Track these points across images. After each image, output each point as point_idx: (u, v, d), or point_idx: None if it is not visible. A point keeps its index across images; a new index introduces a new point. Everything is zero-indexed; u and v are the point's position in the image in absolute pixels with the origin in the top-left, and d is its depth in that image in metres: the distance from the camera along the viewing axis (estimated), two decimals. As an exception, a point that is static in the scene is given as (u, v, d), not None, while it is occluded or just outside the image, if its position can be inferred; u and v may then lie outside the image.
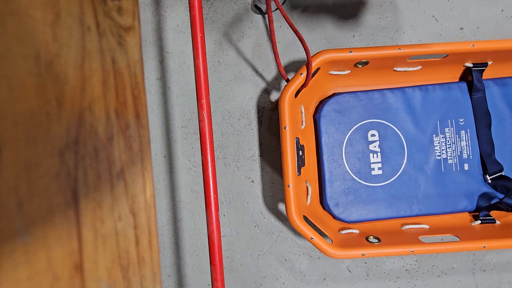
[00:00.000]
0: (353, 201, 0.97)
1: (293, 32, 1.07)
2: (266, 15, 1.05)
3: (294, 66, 1.07)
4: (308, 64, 0.84)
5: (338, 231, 0.95)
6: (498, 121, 0.96)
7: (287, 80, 0.90)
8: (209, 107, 0.77)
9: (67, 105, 0.25)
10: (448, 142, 0.97)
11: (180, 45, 1.11)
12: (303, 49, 1.07)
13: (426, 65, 0.94)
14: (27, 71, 0.21)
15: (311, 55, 0.88)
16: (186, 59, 1.11)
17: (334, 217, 0.98)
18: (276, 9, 1.04)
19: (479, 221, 0.94)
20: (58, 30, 0.24)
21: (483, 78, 0.95)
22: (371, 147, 0.97)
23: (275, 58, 0.87)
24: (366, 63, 0.90)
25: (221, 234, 1.00)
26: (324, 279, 1.08)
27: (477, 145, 0.96)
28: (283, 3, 1.04)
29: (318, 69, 0.89)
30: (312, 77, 0.90)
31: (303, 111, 0.97)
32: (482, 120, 0.96)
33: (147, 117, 0.35)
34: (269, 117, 1.09)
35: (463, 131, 0.97)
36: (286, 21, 0.81)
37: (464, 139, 0.97)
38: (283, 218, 1.08)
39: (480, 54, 0.89)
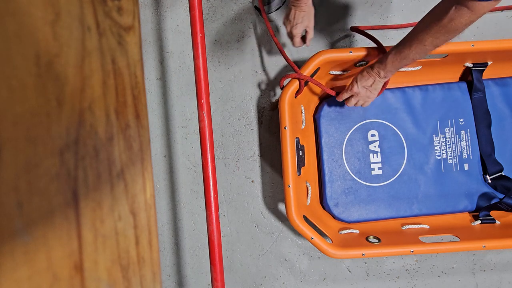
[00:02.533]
0: (353, 201, 0.97)
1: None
2: (271, 14, 1.04)
3: (294, 66, 1.07)
4: (298, 78, 0.86)
5: (338, 231, 0.95)
6: (498, 121, 0.96)
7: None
8: (209, 107, 0.77)
9: (67, 105, 0.25)
10: (448, 142, 0.97)
11: (180, 45, 1.11)
12: (303, 49, 1.07)
13: (426, 65, 0.94)
14: (27, 71, 0.21)
15: (312, 55, 0.88)
16: (186, 59, 1.11)
17: (334, 217, 0.98)
18: (277, 8, 1.04)
19: (479, 221, 0.94)
20: (58, 30, 0.24)
21: (483, 78, 0.95)
22: (371, 147, 0.97)
23: (282, 54, 0.88)
24: (366, 63, 0.90)
25: (221, 234, 1.00)
26: (324, 279, 1.08)
27: (477, 145, 0.96)
28: (283, 3, 1.04)
29: (318, 69, 0.89)
30: (312, 77, 0.90)
31: (303, 111, 0.96)
32: (482, 120, 0.95)
33: (147, 117, 0.35)
34: (269, 117, 1.09)
35: (463, 131, 0.97)
36: (272, 37, 0.91)
37: (464, 139, 0.97)
38: (283, 218, 1.08)
39: (480, 54, 0.89)
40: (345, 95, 0.86)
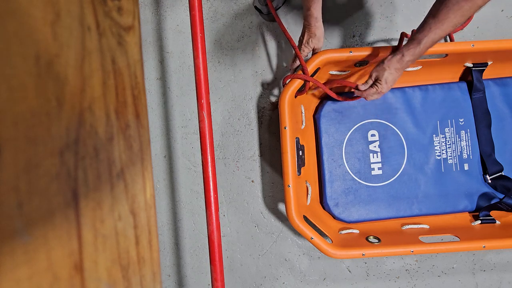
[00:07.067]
0: (353, 201, 0.97)
1: (293, 32, 1.07)
2: (271, 15, 1.04)
3: (294, 66, 1.07)
4: (303, 69, 0.85)
5: (338, 231, 0.95)
6: (498, 121, 0.96)
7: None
8: (209, 107, 0.77)
9: (67, 105, 0.25)
10: (448, 142, 0.97)
11: (180, 45, 1.11)
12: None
13: (426, 65, 0.94)
14: (27, 71, 0.21)
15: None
16: (186, 59, 1.11)
17: (334, 217, 0.98)
18: (278, 8, 1.04)
19: (479, 221, 0.94)
20: (58, 30, 0.24)
21: (483, 78, 0.95)
22: (371, 147, 0.97)
23: (291, 44, 0.89)
24: (366, 63, 0.90)
25: (221, 234, 1.00)
26: (324, 279, 1.08)
27: (477, 145, 0.96)
28: (283, 4, 1.04)
29: (318, 69, 0.89)
30: (312, 77, 0.90)
31: (303, 111, 0.96)
32: (482, 120, 0.95)
33: (147, 117, 0.35)
34: (269, 117, 1.09)
35: (463, 131, 0.97)
36: (280, 27, 0.91)
37: (464, 139, 0.97)
38: (283, 218, 1.08)
39: (480, 54, 0.89)
40: (371, 91, 0.79)
